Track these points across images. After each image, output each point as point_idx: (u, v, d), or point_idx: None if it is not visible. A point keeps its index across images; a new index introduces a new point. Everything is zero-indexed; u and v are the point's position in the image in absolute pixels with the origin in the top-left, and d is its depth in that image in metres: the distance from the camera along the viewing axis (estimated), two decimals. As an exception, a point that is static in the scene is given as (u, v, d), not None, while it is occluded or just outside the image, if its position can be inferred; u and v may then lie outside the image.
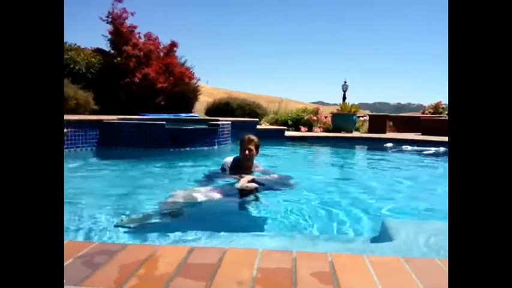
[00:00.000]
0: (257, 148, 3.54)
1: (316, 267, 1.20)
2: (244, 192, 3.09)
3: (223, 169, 3.59)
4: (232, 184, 3.26)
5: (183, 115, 10.31)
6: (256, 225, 2.53)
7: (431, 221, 2.48)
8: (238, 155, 3.61)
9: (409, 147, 8.14)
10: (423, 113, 13.95)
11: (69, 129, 5.89)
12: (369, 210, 3.07)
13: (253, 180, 3.24)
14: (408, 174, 5.35)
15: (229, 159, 3.62)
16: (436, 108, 13.38)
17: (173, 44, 13.41)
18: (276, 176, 3.66)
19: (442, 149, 7.56)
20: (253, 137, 3.55)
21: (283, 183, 3.50)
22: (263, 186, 3.28)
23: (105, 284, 1.06)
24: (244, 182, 3.15)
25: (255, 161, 3.65)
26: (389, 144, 8.52)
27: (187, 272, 1.15)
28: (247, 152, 3.47)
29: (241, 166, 3.54)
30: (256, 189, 3.16)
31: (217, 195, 3.00)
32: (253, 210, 2.93)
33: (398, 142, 8.61)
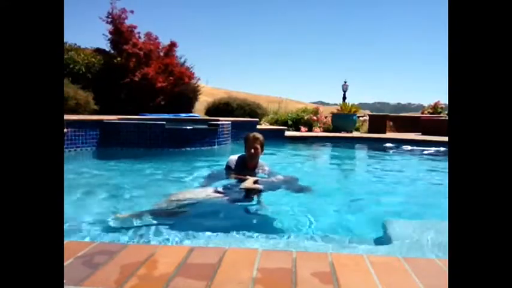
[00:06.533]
0: (262, 146, 3.53)
1: (316, 267, 1.20)
2: (247, 193, 3.08)
3: (228, 167, 3.57)
4: (235, 184, 3.25)
5: (183, 115, 10.30)
6: (256, 226, 2.53)
7: (431, 221, 2.48)
8: (243, 153, 3.59)
9: (409, 147, 8.14)
10: (422, 113, 13.95)
11: (69, 129, 5.89)
12: (369, 210, 3.07)
13: (257, 182, 3.22)
14: (408, 174, 5.35)
15: (234, 158, 3.60)
16: (435, 108, 13.39)
17: (173, 44, 13.41)
18: (281, 177, 3.64)
19: (442, 149, 7.56)
20: (258, 135, 3.54)
21: (288, 185, 3.47)
22: (267, 188, 3.26)
23: (105, 284, 1.06)
24: (248, 183, 3.13)
25: (260, 160, 3.63)
26: (389, 144, 8.52)
27: (187, 272, 1.15)
28: (252, 150, 3.45)
29: (246, 165, 3.53)
30: (260, 190, 3.14)
31: (218, 195, 2.99)
32: (254, 210, 2.93)
33: (398, 142, 8.61)
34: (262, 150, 3.54)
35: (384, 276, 1.14)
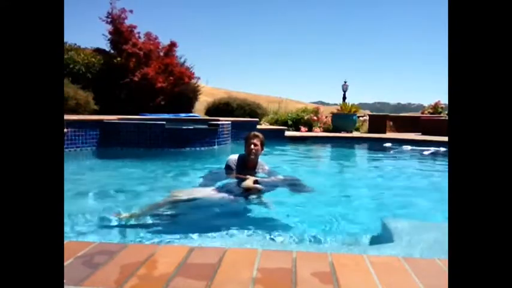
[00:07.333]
0: (262, 145, 3.53)
1: (316, 267, 1.20)
2: (247, 193, 3.08)
3: (227, 167, 3.56)
4: (235, 184, 3.25)
5: (183, 115, 10.31)
6: (256, 226, 2.52)
7: (431, 221, 2.48)
8: (243, 152, 3.59)
9: (409, 147, 8.14)
10: (423, 113, 13.95)
11: (69, 129, 5.89)
12: (369, 210, 3.07)
13: (257, 181, 3.21)
14: (408, 174, 5.35)
15: (234, 157, 3.59)
16: (436, 108, 13.39)
17: (173, 44, 13.41)
18: (281, 177, 3.63)
19: (442, 149, 7.56)
20: (258, 133, 3.55)
21: (289, 185, 3.47)
22: (267, 187, 3.26)
23: (105, 284, 1.06)
24: (248, 182, 3.13)
25: (260, 160, 3.63)
26: (389, 144, 8.52)
27: (187, 272, 1.15)
28: (252, 146, 3.44)
29: (246, 164, 3.52)
30: (260, 190, 3.14)
31: (218, 195, 2.99)
32: (254, 210, 2.93)
33: (398, 142, 8.61)
34: (262, 148, 3.54)
35: (384, 276, 1.14)
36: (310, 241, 2.26)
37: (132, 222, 2.50)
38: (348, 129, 10.96)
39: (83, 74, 11.43)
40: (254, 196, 3.08)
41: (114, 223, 2.49)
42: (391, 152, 7.89)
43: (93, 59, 11.95)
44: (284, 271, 1.16)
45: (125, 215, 2.62)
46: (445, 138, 7.85)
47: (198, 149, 6.59)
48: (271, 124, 11.91)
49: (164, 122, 6.60)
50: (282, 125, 11.04)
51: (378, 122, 11.46)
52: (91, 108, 10.27)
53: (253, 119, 10.07)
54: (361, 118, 12.99)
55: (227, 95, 16.60)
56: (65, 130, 5.79)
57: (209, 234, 2.26)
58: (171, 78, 12.67)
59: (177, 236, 2.26)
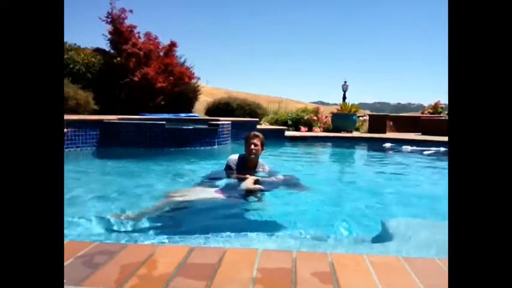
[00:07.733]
0: (262, 145, 3.53)
1: (316, 267, 1.20)
2: (247, 193, 3.08)
3: (228, 167, 3.56)
4: (235, 184, 3.25)
5: (183, 115, 10.31)
6: (256, 226, 2.52)
7: (431, 221, 2.48)
8: (243, 152, 3.58)
9: (409, 147, 8.14)
10: (423, 113, 13.96)
11: (69, 129, 5.89)
12: (369, 210, 3.07)
13: (257, 181, 3.21)
14: (408, 174, 5.35)
15: (234, 157, 3.59)
16: (435, 108, 13.40)
17: (173, 44, 13.41)
18: (281, 176, 3.63)
19: (442, 149, 7.56)
20: (258, 133, 3.55)
21: (289, 185, 3.47)
22: (267, 187, 3.26)
23: (105, 284, 1.06)
24: (248, 182, 3.13)
25: (261, 160, 3.62)
26: (389, 144, 8.52)
27: (187, 272, 1.15)
28: (252, 146, 3.44)
29: (246, 164, 3.52)
30: (260, 190, 3.13)
31: (218, 195, 2.99)
32: (254, 210, 2.92)
33: (398, 142, 8.61)
34: (262, 148, 3.54)
35: (384, 276, 1.14)
36: (310, 241, 2.25)
37: (132, 222, 2.50)
38: (348, 129, 10.96)
39: (83, 74, 11.44)
40: (254, 196, 3.08)
41: (114, 223, 2.48)
42: (391, 152, 7.89)
43: (93, 59, 11.96)
44: (284, 271, 1.16)
45: (124, 215, 2.62)
46: (445, 138, 7.84)
47: (198, 149, 6.60)
48: (271, 124, 11.92)
49: (164, 122, 6.60)
50: (282, 125, 11.04)
51: (378, 122, 11.47)
52: (91, 108, 10.27)
53: (253, 119, 10.07)
54: (361, 118, 13.00)
55: (227, 95, 16.61)
56: (65, 130, 5.79)
57: (209, 234, 2.26)
58: (171, 78, 12.68)
59: (177, 236, 2.26)
